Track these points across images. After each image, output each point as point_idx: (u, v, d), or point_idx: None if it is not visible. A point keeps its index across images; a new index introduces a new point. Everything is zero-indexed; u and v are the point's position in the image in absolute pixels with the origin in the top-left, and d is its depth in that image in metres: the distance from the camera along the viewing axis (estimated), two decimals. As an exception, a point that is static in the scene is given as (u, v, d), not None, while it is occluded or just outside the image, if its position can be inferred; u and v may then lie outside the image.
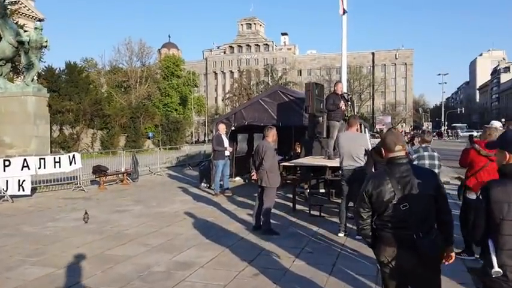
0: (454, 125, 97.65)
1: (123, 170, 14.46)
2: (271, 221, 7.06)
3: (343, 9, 12.88)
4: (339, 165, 8.55)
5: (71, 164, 12.30)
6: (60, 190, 12.63)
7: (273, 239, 6.50)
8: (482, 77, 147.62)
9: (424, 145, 5.81)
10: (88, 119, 28.14)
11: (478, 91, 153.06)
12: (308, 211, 8.54)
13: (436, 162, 5.68)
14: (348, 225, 6.80)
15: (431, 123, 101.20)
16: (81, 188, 12.50)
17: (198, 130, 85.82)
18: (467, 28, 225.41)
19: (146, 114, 33.19)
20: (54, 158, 12.13)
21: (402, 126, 76.41)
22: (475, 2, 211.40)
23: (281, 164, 8.24)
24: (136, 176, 14.86)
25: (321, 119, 10.99)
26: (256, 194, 7.32)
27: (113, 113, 29.99)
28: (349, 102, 9.39)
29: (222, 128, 11.67)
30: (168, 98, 65.23)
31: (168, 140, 35.57)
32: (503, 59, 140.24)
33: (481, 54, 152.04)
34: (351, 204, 6.64)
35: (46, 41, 18.17)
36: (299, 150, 12.60)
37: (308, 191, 10.11)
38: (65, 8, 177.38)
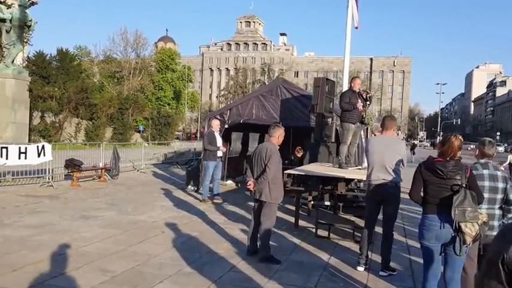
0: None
1: (101, 165, 12.87)
2: (271, 242, 5.57)
3: (356, 25, 11.44)
4: (357, 176, 7.13)
5: (39, 155, 10.74)
6: (26, 185, 11.04)
7: (273, 271, 5.00)
8: (478, 89, 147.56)
9: (483, 160, 4.26)
10: (72, 107, 26.40)
11: (472, 103, 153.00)
12: (314, 229, 7.05)
13: (500, 185, 4.09)
14: (368, 255, 5.34)
15: (426, 132, 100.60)
16: (50, 184, 10.92)
17: (189, 126, 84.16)
18: (464, 41, 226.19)
19: (136, 106, 31.50)
20: (20, 147, 10.53)
21: (398, 134, 75.27)
22: (474, 15, 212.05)
23: (285, 172, 6.74)
24: (117, 172, 13.28)
25: (330, 120, 9.53)
26: (251, 204, 5.81)
27: (99, 103, 28.22)
28: (367, 102, 7.90)
29: (215, 124, 10.12)
30: (161, 91, 63.85)
31: (158, 135, 34.04)
32: (500, 72, 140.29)
33: (477, 67, 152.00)
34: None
35: (30, 20, 16.48)
36: (300, 155, 11.14)
37: (312, 203, 8.64)
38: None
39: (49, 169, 11.30)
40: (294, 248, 6.12)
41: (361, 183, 8.49)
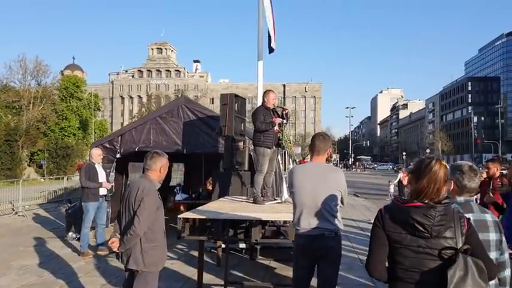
0: (359, 157, 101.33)
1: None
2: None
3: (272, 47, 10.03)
4: (277, 217, 5.49)
5: None
6: None
7: None
8: (383, 112, 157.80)
9: (462, 198, 2.68)
10: None
11: (378, 125, 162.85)
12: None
13: (493, 236, 2.42)
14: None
15: (338, 155, 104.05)
16: None
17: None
18: (368, 67, 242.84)
19: (27, 138, 27.71)
20: None
21: (331, 158, 76.33)
22: (377, 42, 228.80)
23: (180, 216, 4.91)
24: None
25: (241, 144, 7.90)
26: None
27: (-22, 134, 24.26)
28: (284, 121, 6.39)
29: (95, 154, 7.97)
30: (65, 121, 58.92)
31: (56, 168, 30.35)
32: (402, 96, 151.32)
33: (381, 92, 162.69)
34: None
35: None
36: (211, 188, 9.38)
37: (222, 247, 6.86)
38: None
39: None
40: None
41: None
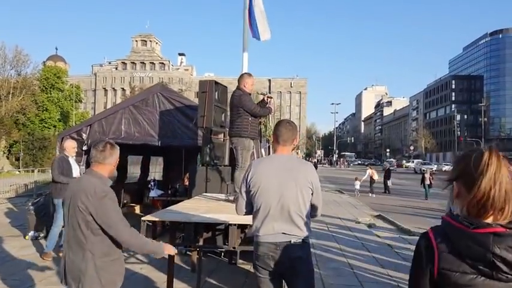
0: (343, 153, 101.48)
1: None
2: None
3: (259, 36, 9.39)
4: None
5: None
6: None
7: None
8: (367, 109, 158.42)
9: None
10: None
11: (363, 122, 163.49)
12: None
13: None
14: None
15: (323, 151, 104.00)
16: None
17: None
18: (353, 63, 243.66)
19: (1, 128, 26.53)
20: None
21: (297, 153, 76.23)
22: (362, 39, 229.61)
23: (144, 219, 4.18)
24: None
25: (221, 136, 7.21)
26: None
27: None
28: (271, 110, 5.69)
29: (69, 146, 7.16)
30: (46, 112, 57.32)
31: (32, 161, 29.21)
32: (386, 93, 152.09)
33: (365, 89, 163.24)
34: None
35: None
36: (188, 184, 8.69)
37: (196, 251, 6.15)
38: None
39: None
40: None
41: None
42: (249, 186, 2.92)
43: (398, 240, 9.16)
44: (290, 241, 2.80)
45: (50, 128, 52.83)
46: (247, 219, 4.36)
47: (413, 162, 67.16)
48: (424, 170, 22.90)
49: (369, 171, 22.07)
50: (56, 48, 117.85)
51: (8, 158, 33.39)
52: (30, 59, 55.55)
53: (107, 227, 2.81)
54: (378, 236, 9.49)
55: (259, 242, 2.87)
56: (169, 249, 3.11)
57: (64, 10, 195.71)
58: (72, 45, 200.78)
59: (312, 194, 2.90)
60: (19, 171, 27.78)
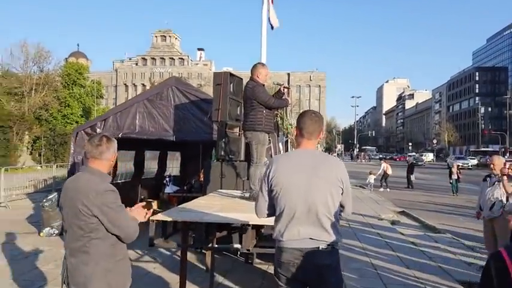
0: (364, 147, 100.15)
1: None
2: None
3: (271, 24, 9.32)
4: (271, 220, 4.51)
5: None
6: None
7: None
8: (388, 102, 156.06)
9: None
10: None
11: (384, 116, 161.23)
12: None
13: None
14: None
15: (343, 145, 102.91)
16: None
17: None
18: (374, 56, 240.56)
19: (21, 124, 26.80)
20: None
21: (317, 147, 75.45)
22: (383, 32, 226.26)
23: (153, 218, 3.93)
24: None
25: (237, 130, 6.92)
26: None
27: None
28: (287, 102, 5.37)
29: None
30: (68, 108, 58.13)
31: (54, 156, 29.52)
32: (408, 86, 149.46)
33: (387, 81, 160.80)
34: None
35: None
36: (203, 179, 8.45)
37: (209, 252, 5.89)
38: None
39: None
40: None
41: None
42: (271, 186, 2.61)
43: (424, 238, 8.74)
44: (318, 247, 2.50)
45: (72, 124, 53.46)
46: (264, 220, 4.07)
47: (425, 156, 66.05)
48: (451, 164, 21.84)
49: (384, 165, 21.62)
50: (78, 45, 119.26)
51: (31, 153, 33.85)
52: (52, 56, 56.37)
53: (112, 227, 2.59)
54: (402, 234, 9.10)
55: (282, 247, 2.56)
56: (140, 216, 2.83)
57: (86, 7, 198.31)
58: (94, 41, 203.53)
59: (341, 193, 2.59)
60: (40, 166, 28.12)
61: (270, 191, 2.62)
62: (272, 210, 2.68)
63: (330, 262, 2.53)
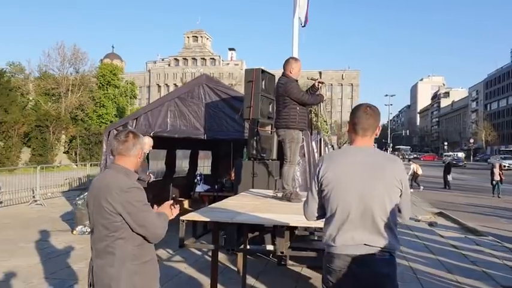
0: (398, 147, 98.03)
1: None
2: None
3: (304, 20, 9.11)
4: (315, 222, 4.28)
5: None
6: None
7: None
8: (423, 101, 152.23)
9: None
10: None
11: (418, 114, 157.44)
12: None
13: None
14: None
15: (376, 145, 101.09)
16: None
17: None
18: (408, 54, 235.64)
19: (58, 124, 27.52)
20: None
21: (374, 145, 74.28)
22: (416, 29, 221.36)
23: (183, 218, 3.80)
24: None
25: (269, 128, 6.74)
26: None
27: (9, 120, 23.92)
28: (322, 98, 5.15)
29: (148, 145, 6.11)
30: (103, 108, 59.60)
31: (89, 155, 30.19)
32: (443, 84, 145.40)
33: (421, 79, 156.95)
34: None
35: None
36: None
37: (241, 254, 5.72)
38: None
39: None
40: None
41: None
42: (321, 185, 2.37)
43: (464, 240, 8.32)
44: (374, 254, 2.25)
45: (106, 124, 54.65)
46: (299, 222, 3.85)
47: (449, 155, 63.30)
48: (492, 164, 20.21)
49: (413, 166, 21.10)
50: (113, 47, 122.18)
51: (67, 152, 34.81)
52: (88, 57, 57.92)
53: (137, 227, 2.47)
54: (441, 236, 8.70)
55: (334, 253, 2.32)
56: (168, 212, 2.73)
57: (120, 9, 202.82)
58: (128, 43, 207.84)
59: (400, 195, 2.34)
60: (76, 165, 28.86)
61: (320, 191, 2.40)
62: (322, 212, 2.45)
63: (387, 271, 2.27)
